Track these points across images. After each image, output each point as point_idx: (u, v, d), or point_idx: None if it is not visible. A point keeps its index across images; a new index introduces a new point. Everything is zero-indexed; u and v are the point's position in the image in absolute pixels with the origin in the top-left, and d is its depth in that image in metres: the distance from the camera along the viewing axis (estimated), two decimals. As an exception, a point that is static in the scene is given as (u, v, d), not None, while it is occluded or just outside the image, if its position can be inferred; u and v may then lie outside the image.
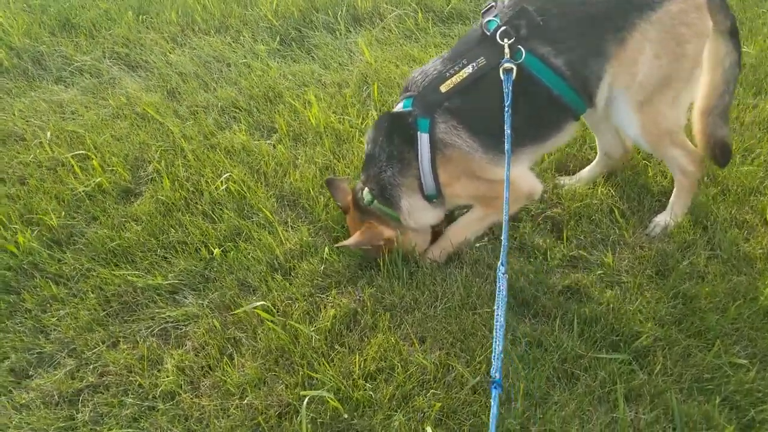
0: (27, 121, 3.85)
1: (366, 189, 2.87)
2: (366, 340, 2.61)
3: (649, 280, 2.76)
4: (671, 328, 2.51)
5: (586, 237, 2.99)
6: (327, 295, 2.81)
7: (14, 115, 3.91)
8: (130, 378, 2.54)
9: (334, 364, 2.51)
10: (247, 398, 2.40)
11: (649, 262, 2.82)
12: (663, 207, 3.09)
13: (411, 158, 2.73)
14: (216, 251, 2.94)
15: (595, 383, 2.36)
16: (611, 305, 2.61)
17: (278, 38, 4.38)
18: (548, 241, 2.98)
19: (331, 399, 2.32)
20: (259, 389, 2.46)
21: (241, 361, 2.57)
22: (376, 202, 2.84)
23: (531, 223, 3.07)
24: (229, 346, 2.63)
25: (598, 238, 2.99)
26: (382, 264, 2.86)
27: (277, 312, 2.73)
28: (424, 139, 2.67)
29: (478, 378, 2.40)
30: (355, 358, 2.51)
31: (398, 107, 2.79)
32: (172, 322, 2.75)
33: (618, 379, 2.36)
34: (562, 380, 2.40)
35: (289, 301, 2.76)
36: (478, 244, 2.97)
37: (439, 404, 2.31)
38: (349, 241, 2.81)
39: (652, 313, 2.58)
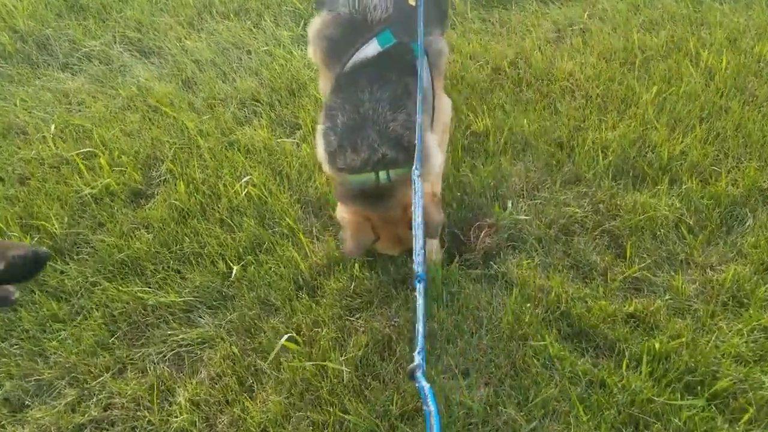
0: (30, 113, 3.60)
1: None
2: (403, 372, 2.33)
3: (723, 308, 2.46)
4: (754, 367, 2.21)
5: (649, 256, 2.69)
6: (358, 318, 2.55)
7: (16, 105, 3.65)
8: (138, 413, 2.30)
9: (367, 401, 2.24)
10: (270, 442, 2.15)
11: (722, 287, 2.52)
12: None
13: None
14: (236, 268, 2.67)
15: (667, 430, 2.07)
16: (683, 339, 2.31)
17: (302, 23, 4.06)
18: (606, 259, 2.68)
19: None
20: (283, 428, 2.20)
21: (263, 396, 2.32)
22: None
23: (586, 237, 2.76)
24: (249, 376, 2.38)
25: (663, 257, 2.68)
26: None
27: (303, 339, 2.46)
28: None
29: (533, 425, 2.11)
30: (391, 395, 2.24)
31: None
32: (186, 346, 2.50)
33: (693, 428, 2.07)
34: (628, 427, 2.12)
35: (316, 328, 2.49)
36: (526, 261, 2.67)
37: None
38: None
39: (730, 349, 2.28)
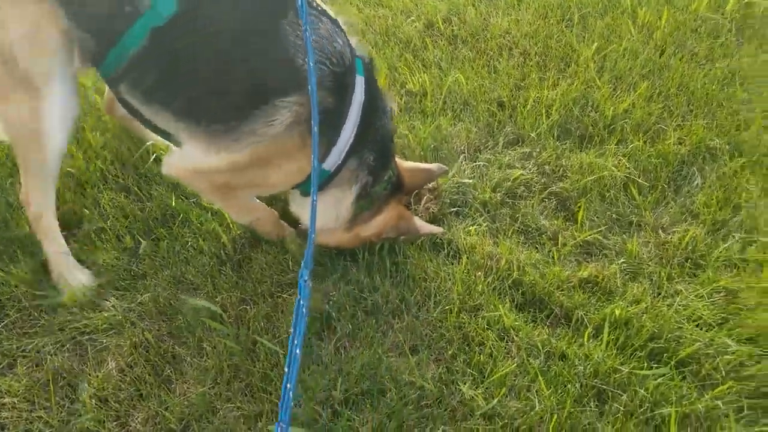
0: None
1: None
2: (344, 353, 2.10)
3: (680, 270, 2.37)
4: (719, 331, 2.13)
5: (599, 218, 2.57)
6: (291, 294, 2.28)
7: None
8: (33, 413, 1.96)
9: (307, 387, 2.00)
10: (195, 439, 1.87)
11: (677, 249, 2.43)
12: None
13: None
14: (144, 243, 2.34)
15: (634, 403, 1.95)
16: (643, 304, 2.20)
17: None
18: (556, 223, 2.53)
19: (308, 438, 1.82)
20: (210, 423, 1.93)
21: (183, 387, 2.02)
22: None
23: (533, 200, 2.61)
24: (165, 365, 2.08)
25: (613, 219, 2.57)
26: (361, 254, 2.34)
27: (229, 319, 2.18)
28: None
29: (492, 403, 1.94)
30: (333, 378, 2.00)
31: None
32: (88, 334, 2.16)
33: (660, 398, 1.96)
34: (592, 401, 1.98)
35: (244, 305, 2.21)
36: (473, 227, 2.49)
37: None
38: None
39: (692, 313, 2.19)
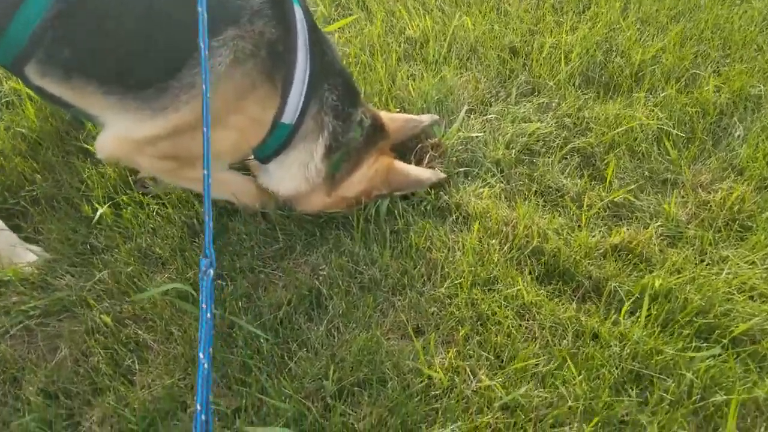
0: None
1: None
2: (337, 335, 1.81)
3: (726, 233, 2.07)
4: (775, 304, 1.83)
5: (630, 176, 2.26)
6: (275, 269, 1.99)
7: None
8: (-33, 414, 1.66)
9: (293, 376, 1.71)
10: (159, 441, 1.59)
11: (720, 209, 2.12)
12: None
13: None
14: (102, 210, 2.04)
15: (681, 390, 1.66)
16: (686, 274, 1.90)
17: None
18: (580, 182, 2.23)
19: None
20: (178, 421, 1.64)
21: (146, 378, 1.73)
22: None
23: (553, 157, 2.30)
24: (127, 353, 1.78)
25: (645, 177, 2.26)
26: (355, 221, 2.04)
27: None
28: None
29: (514, 394, 1.65)
30: (325, 366, 1.72)
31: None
32: (38, 318, 1.86)
33: (712, 383, 1.67)
34: (631, 388, 1.69)
35: (219, 282, 1.92)
36: (486, 189, 2.19)
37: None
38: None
39: (743, 283, 1.89)
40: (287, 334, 1.82)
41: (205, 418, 1.17)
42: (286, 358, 1.77)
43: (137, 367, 1.76)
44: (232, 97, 1.75)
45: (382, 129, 2.12)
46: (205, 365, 1.21)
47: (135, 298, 1.86)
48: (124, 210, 2.09)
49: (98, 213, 2.04)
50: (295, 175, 2.01)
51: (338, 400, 1.67)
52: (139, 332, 1.82)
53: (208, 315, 1.27)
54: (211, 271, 1.36)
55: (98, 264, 1.99)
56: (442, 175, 2.16)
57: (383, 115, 2.19)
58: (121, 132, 1.79)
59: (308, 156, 1.98)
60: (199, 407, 1.17)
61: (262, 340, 1.77)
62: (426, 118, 2.28)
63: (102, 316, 1.84)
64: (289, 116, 1.85)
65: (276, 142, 1.93)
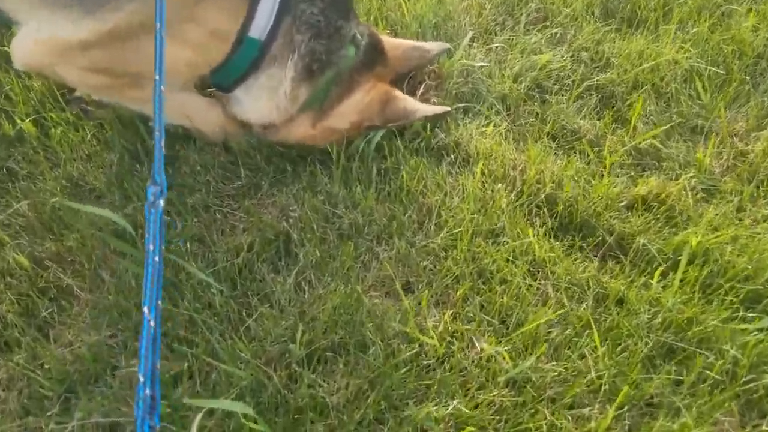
0: None
1: None
2: (309, 290, 1.49)
3: (767, 188, 1.79)
4: (830, 271, 1.56)
5: (655, 120, 1.96)
6: (236, 209, 1.66)
7: None
8: None
9: (253, 337, 1.39)
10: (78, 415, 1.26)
11: (761, 161, 1.84)
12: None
13: None
14: (23, 124, 1.68)
15: (724, 367, 1.38)
16: (726, 232, 1.62)
17: None
18: (598, 124, 1.92)
19: (248, 415, 1.21)
20: (106, 387, 1.31)
21: (69, 335, 1.40)
22: None
23: (567, 95, 1.99)
24: (45, 302, 1.45)
25: (674, 122, 1.96)
26: (334, 155, 1.71)
27: (142, 237, 1.54)
28: None
29: (524, 365, 1.35)
30: (292, 325, 1.40)
31: None
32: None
33: (761, 361, 1.40)
34: (661, 362, 1.41)
35: (166, 217, 1.57)
36: (490, 127, 1.87)
37: (449, 410, 1.27)
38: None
39: (789, 245, 1.62)
40: (247, 286, 1.50)
41: (150, 393, 0.86)
42: (244, 314, 1.45)
43: (56, 318, 1.43)
44: (190, 1, 1.40)
45: (382, 52, 1.79)
46: (152, 323, 0.89)
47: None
48: (53, 130, 1.73)
49: (18, 127, 1.67)
50: (265, 102, 1.69)
51: (307, 368, 1.36)
52: (62, 276, 1.48)
53: (156, 258, 0.95)
54: (161, 202, 1.03)
55: (17, 193, 1.64)
56: (447, 109, 1.83)
57: (392, 43, 1.87)
58: (42, 33, 1.44)
59: (277, 81, 1.65)
60: (142, 378, 0.86)
61: (214, 291, 1.45)
62: (435, 47, 1.96)
63: (18, 255, 1.49)
64: (258, 30, 1.54)
65: (243, 63, 1.61)
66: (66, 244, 1.53)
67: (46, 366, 1.34)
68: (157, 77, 1.17)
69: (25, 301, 1.44)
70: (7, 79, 1.83)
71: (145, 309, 0.89)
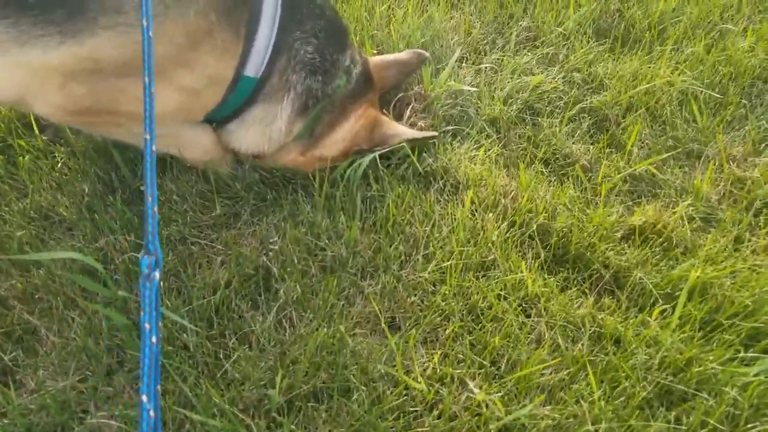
0: None
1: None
2: (289, 329, 1.42)
3: (766, 217, 1.74)
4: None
5: (651, 144, 1.91)
6: (214, 241, 1.58)
7: None
8: None
9: (228, 382, 1.32)
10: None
11: (755, 186, 1.79)
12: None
13: None
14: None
15: (724, 410, 1.33)
16: (725, 265, 1.57)
17: None
18: (593, 149, 1.87)
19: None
20: (71, 439, 1.24)
21: (34, 381, 1.32)
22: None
23: (561, 117, 1.94)
24: (11, 345, 1.37)
25: (669, 146, 1.91)
26: (317, 183, 1.65)
27: (113, 274, 1.47)
28: None
29: (518, 413, 1.29)
30: (272, 368, 1.33)
31: None
32: None
33: (764, 405, 1.34)
34: (660, 405, 1.35)
35: (136, 247, 1.51)
36: (480, 151, 1.81)
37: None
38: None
39: (791, 279, 1.56)
40: (224, 325, 1.43)
41: (154, 414, 0.79)
42: (221, 357, 1.37)
43: (22, 362, 1.34)
44: (183, 45, 1.34)
45: (371, 78, 1.76)
46: (152, 413, 0.81)
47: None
48: (21, 158, 1.65)
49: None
50: (256, 134, 1.64)
51: (287, 416, 1.29)
52: (30, 318, 1.40)
53: (153, 339, 0.87)
54: (157, 274, 0.96)
55: (-21, 224, 1.55)
56: (434, 134, 1.78)
57: (372, 61, 1.82)
58: (18, 57, 1.36)
59: (272, 116, 1.60)
60: (145, 398, 0.79)
61: (189, 333, 1.37)
62: (410, 56, 1.90)
63: (-21, 291, 1.41)
64: (253, 68, 1.50)
65: (238, 100, 1.55)
66: (33, 282, 1.45)
67: (10, 416, 1.26)
68: (147, 136, 1.08)
69: (-12, 345, 1.36)
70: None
71: (144, 397, 0.81)
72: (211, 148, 1.70)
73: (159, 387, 0.84)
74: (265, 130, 1.65)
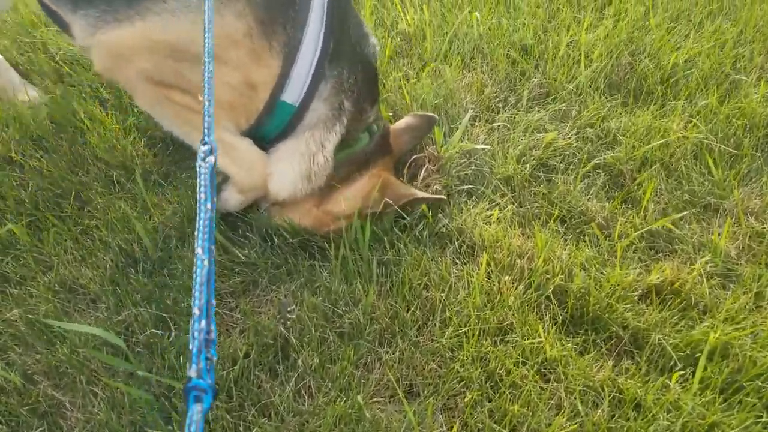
0: None
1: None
2: (308, 399, 1.44)
3: (786, 273, 1.73)
4: None
5: (668, 199, 1.92)
6: (232, 309, 1.62)
7: None
8: None
9: (249, 455, 1.34)
10: None
11: (776, 241, 1.79)
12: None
13: None
14: (15, 227, 1.66)
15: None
16: (745, 324, 1.56)
17: None
18: (608, 206, 1.88)
19: None
20: None
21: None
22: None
23: (575, 174, 1.96)
24: (35, 421, 1.41)
25: (685, 201, 1.92)
26: (333, 249, 1.68)
27: (136, 348, 1.51)
28: None
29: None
30: (289, 442, 1.35)
31: None
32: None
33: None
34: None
35: (161, 328, 1.54)
36: (495, 212, 1.84)
37: None
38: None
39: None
40: (243, 396, 1.45)
41: (205, 327, 0.78)
42: (241, 429, 1.39)
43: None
44: (224, 31, 1.44)
45: (389, 143, 1.81)
46: (205, 262, 0.83)
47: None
48: (47, 232, 1.71)
49: (5, 229, 1.65)
50: (292, 168, 1.69)
51: (307, 491, 1.30)
52: (54, 393, 1.44)
53: (209, 205, 0.91)
54: (212, 158, 1.00)
55: (8, 299, 1.61)
56: (443, 197, 1.81)
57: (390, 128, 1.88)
58: (108, 34, 1.51)
59: (315, 146, 1.66)
60: (197, 312, 0.80)
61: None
62: (420, 122, 1.95)
63: (7, 370, 1.45)
64: (292, 95, 1.54)
65: (277, 126, 1.61)
66: (57, 356, 1.49)
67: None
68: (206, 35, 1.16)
69: (15, 422, 1.39)
70: (2, 177, 1.83)
71: (199, 250, 0.84)
72: (259, 173, 1.72)
73: (213, 248, 0.86)
74: (302, 163, 1.67)
